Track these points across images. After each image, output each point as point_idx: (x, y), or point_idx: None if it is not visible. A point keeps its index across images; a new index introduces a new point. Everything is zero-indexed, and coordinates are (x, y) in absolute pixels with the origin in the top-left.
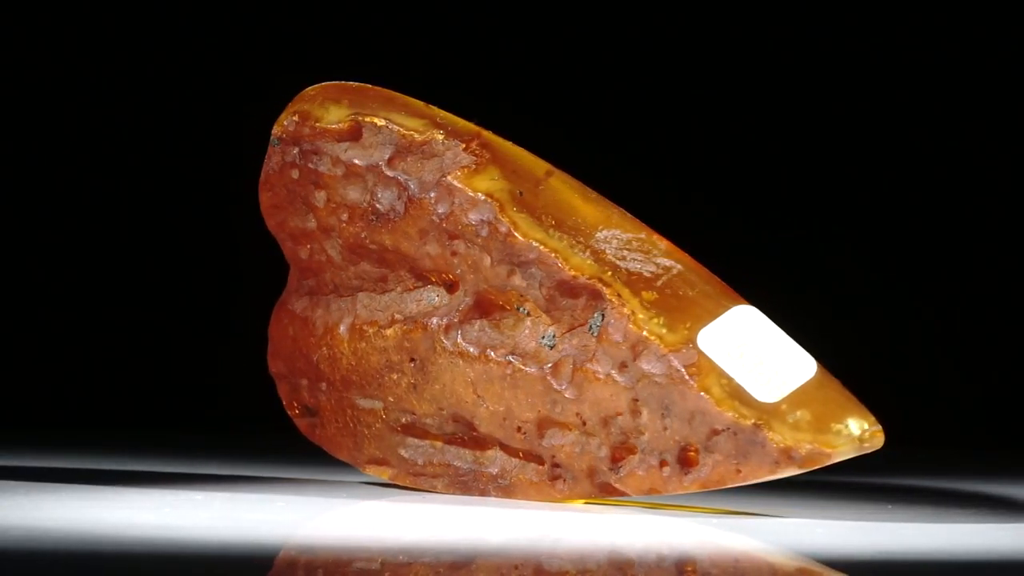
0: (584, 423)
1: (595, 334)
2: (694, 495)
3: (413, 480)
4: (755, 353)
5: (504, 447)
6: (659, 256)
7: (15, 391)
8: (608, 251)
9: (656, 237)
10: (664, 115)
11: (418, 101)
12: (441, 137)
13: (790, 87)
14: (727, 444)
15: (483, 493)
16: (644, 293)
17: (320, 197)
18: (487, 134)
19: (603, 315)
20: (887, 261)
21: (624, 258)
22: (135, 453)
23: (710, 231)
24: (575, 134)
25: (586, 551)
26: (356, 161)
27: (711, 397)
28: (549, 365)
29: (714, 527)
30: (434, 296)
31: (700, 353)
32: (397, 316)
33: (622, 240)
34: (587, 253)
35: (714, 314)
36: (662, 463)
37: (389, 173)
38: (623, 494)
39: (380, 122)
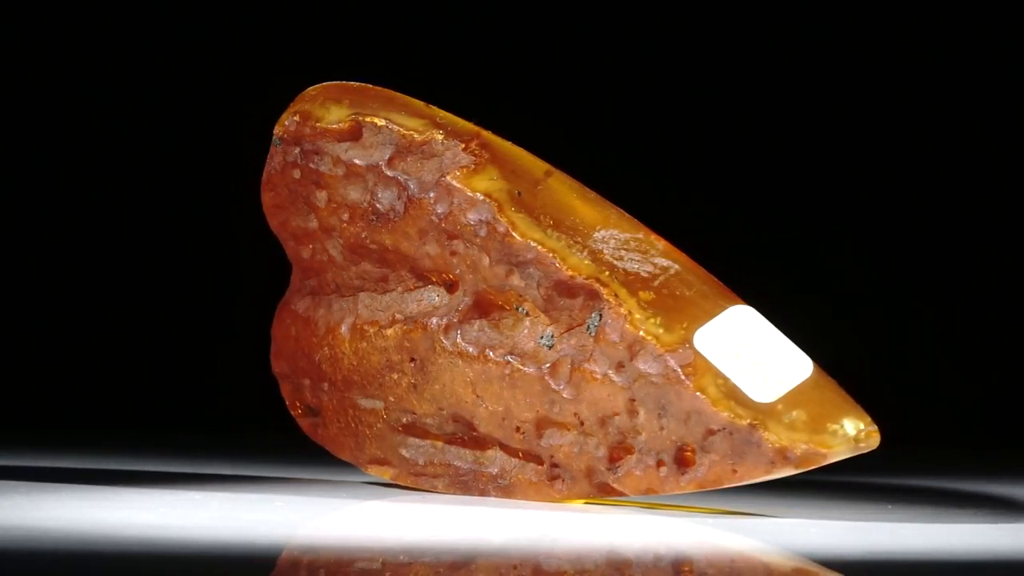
0: (582, 423)
1: (593, 334)
2: (692, 495)
3: (414, 480)
4: (751, 353)
5: (504, 447)
6: (657, 256)
7: (15, 391)
8: (606, 251)
9: (654, 237)
10: (664, 115)
11: (418, 101)
12: (441, 137)
13: (790, 87)
14: (723, 444)
15: (483, 493)
16: (641, 293)
17: (321, 197)
18: (486, 134)
19: (601, 315)
20: (887, 261)
21: (622, 258)
22: (135, 453)
23: (710, 231)
24: (575, 134)
25: (584, 551)
26: (356, 161)
27: (707, 397)
28: (547, 365)
29: (711, 527)
30: (435, 296)
31: (696, 353)
32: (398, 316)
33: (620, 240)
34: (585, 253)
35: (711, 314)
36: (659, 463)
37: (389, 173)
38: (621, 494)
39: (380, 122)
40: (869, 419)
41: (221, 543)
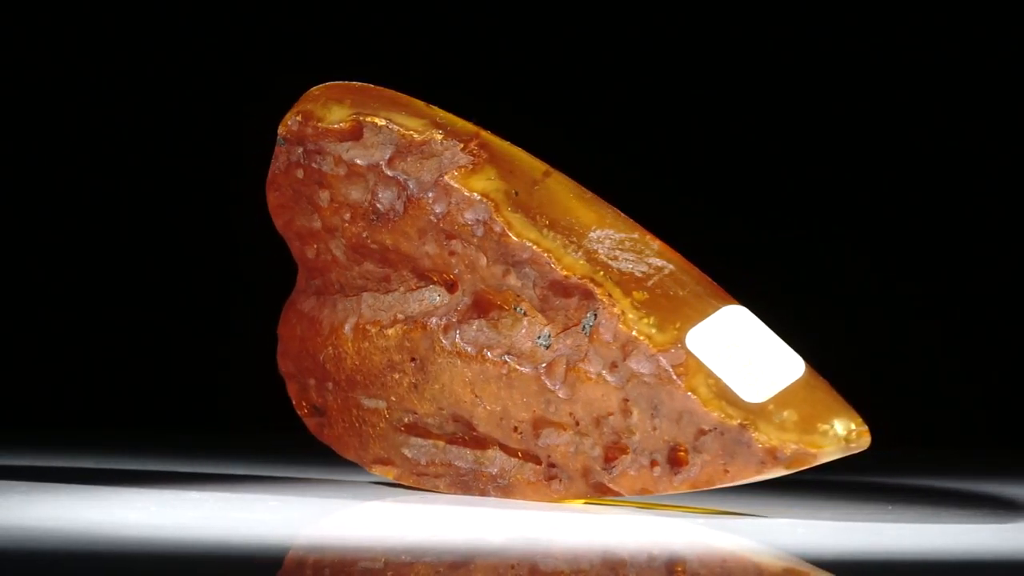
0: (577, 423)
1: (587, 334)
2: (690, 495)
3: (416, 480)
4: (743, 353)
5: (503, 447)
6: (651, 256)
7: (15, 391)
8: (601, 251)
9: (649, 237)
10: (663, 115)
11: (419, 101)
12: (440, 137)
13: (789, 87)
14: (714, 444)
15: (483, 493)
16: (635, 293)
17: (324, 197)
18: (485, 134)
19: (595, 315)
20: (887, 261)
21: (616, 258)
22: (135, 453)
23: (709, 231)
24: (575, 134)
25: (580, 551)
26: (358, 161)
27: (698, 397)
28: (544, 365)
29: (706, 528)
30: (436, 296)
31: (688, 353)
32: (399, 316)
33: (615, 240)
34: (580, 253)
35: (704, 314)
36: (653, 463)
37: (389, 173)
38: (617, 494)
39: (380, 122)
40: (860, 419)
41: (222, 543)
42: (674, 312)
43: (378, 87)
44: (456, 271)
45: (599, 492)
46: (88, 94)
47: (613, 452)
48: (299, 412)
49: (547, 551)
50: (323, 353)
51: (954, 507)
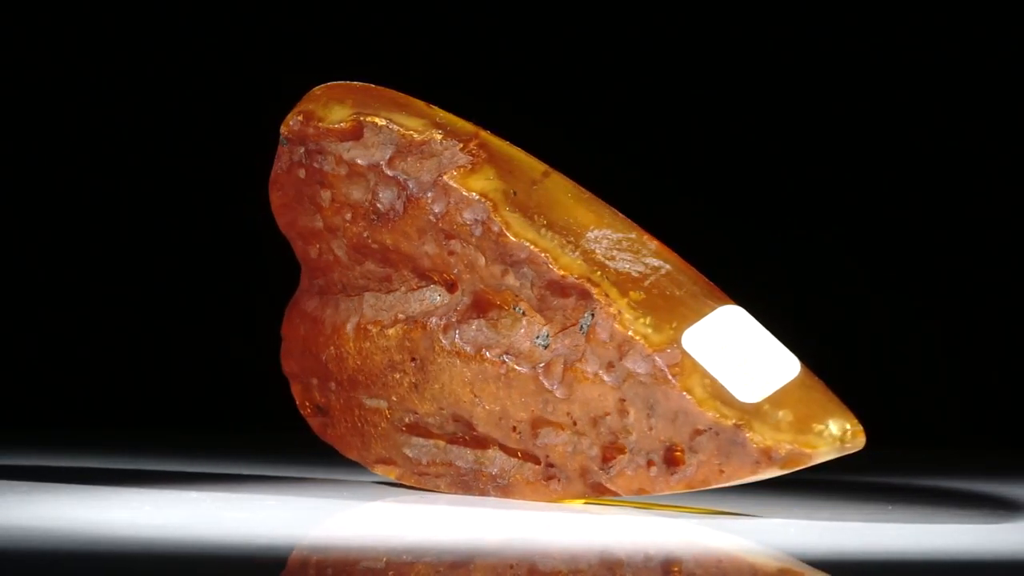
0: (575, 423)
1: (585, 334)
2: (688, 495)
3: (418, 480)
4: (738, 353)
5: (503, 447)
6: (648, 256)
7: (15, 391)
8: (598, 251)
9: (647, 237)
10: (663, 115)
11: (420, 101)
12: (439, 137)
13: (789, 87)
14: (709, 444)
15: (483, 493)
16: (632, 293)
17: (326, 196)
18: (485, 134)
19: (593, 314)
20: (887, 261)
21: (613, 258)
22: (135, 453)
23: (709, 231)
24: (575, 134)
25: (578, 551)
26: (358, 160)
27: (693, 397)
28: (542, 365)
29: (702, 528)
30: (436, 296)
31: (684, 353)
32: (400, 316)
33: (612, 240)
34: (577, 253)
35: (701, 314)
36: (649, 463)
37: (389, 173)
38: (615, 494)
39: (381, 122)
40: (855, 420)
41: (224, 544)
42: (670, 312)
43: (379, 87)
44: (455, 271)
45: (597, 492)
46: (92, 94)
47: (610, 452)
48: (302, 412)
49: (545, 551)
50: (325, 353)
51: (954, 507)
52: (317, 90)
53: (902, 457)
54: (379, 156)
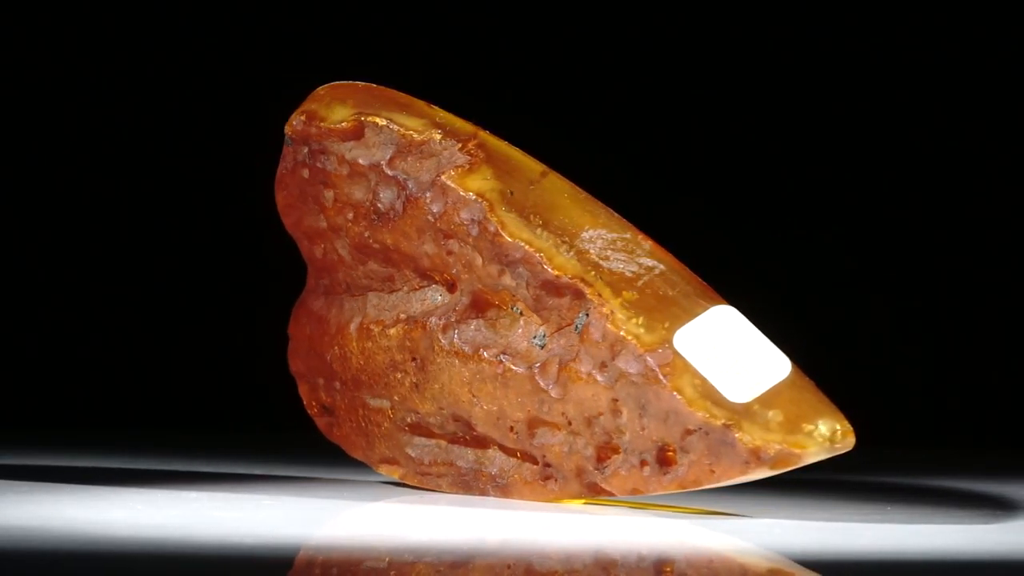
0: (570, 423)
1: (579, 333)
2: (685, 495)
3: (420, 479)
4: (729, 353)
5: (502, 447)
6: (642, 256)
7: (15, 391)
8: (592, 251)
9: (641, 237)
10: (662, 115)
11: (421, 101)
12: (439, 137)
13: (789, 87)
14: (700, 444)
15: (483, 493)
16: (625, 293)
17: (329, 196)
18: (484, 134)
19: (587, 314)
20: (887, 260)
21: (608, 258)
22: (135, 453)
23: (709, 231)
24: (575, 134)
25: (574, 551)
26: (360, 160)
27: (683, 397)
28: (538, 365)
29: (696, 528)
30: (438, 296)
31: (675, 353)
32: (402, 316)
33: (607, 240)
34: (571, 253)
35: (693, 314)
36: (642, 463)
37: (389, 172)
38: (610, 494)
39: (381, 122)
40: (845, 420)
41: (227, 544)
42: (663, 312)
43: (382, 87)
44: (454, 271)
45: (593, 492)
46: (92, 94)
47: (605, 452)
48: (309, 412)
49: (542, 551)
50: (330, 353)
51: (953, 507)
52: (321, 90)
53: (901, 457)
54: (380, 156)
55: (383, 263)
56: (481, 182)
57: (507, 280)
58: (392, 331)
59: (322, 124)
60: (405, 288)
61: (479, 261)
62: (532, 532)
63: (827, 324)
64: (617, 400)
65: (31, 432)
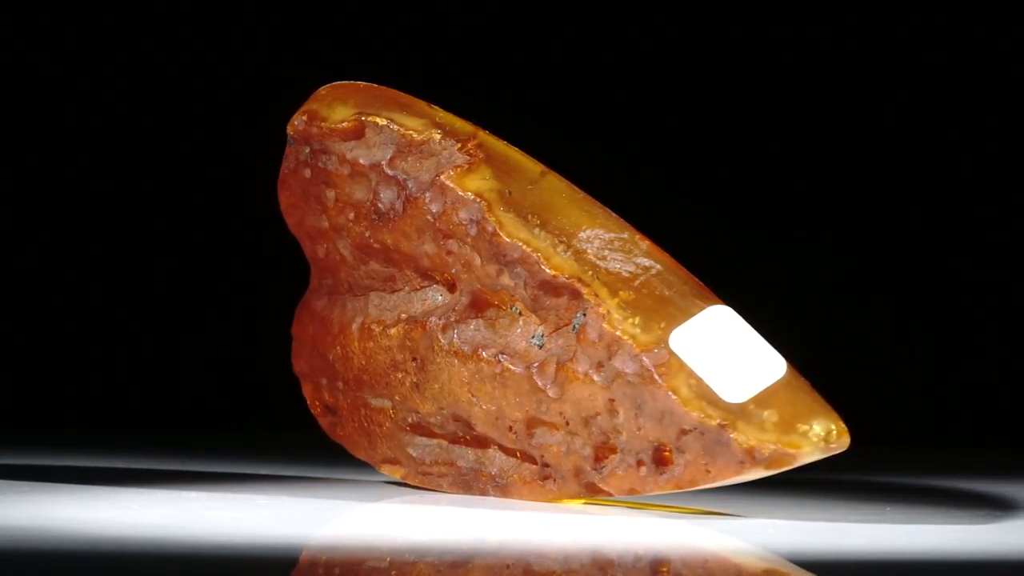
0: (567, 423)
1: (576, 333)
2: (684, 496)
3: (422, 479)
4: (725, 353)
5: (501, 447)
6: (639, 256)
7: (15, 391)
8: (589, 251)
9: (639, 237)
10: (663, 115)
11: (422, 101)
12: (438, 137)
13: (789, 87)
14: (695, 444)
15: (483, 492)
16: (622, 293)
17: (330, 196)
18: (483, 134)
19: (585, 314)
20: (887, 260)
21: (605, 258)
22: (135, 453)
23: (708, 231)
24: (575, 134)
25: (571, 551)
26: (360, 160)
27: (678, 397)
28: (536, 364)
29: (692, 528)
30: (438, 296)
31: (671, 353)
32: (403, 316)
33: (604, 240)
34: (569, 253)
35: (689, 314)
36: (639, 463)
37: (389, 172)
38: (608, 494)
39: (382, 121)
40: (840, 420)
41: (228, 544)
42: (659, 312)
43: (383, 87)
44: (453, 271)
45: (591, 492)
46: (92, 94)
47: (602, 452)
48: (313, 411)
49: (540, 551)
50: (332, 353)
51: (953, 507)
52: (323, 90)
53: (901, 457)
54: (380, 156)
55: (384, 263)
56: (480, 182)
57: (505, 280)
58: (393, 331)
59: (323, 124)
60: (406, 288)
61: (478, 261)
62: (531, 532)
63: (827, 324)
64: (614, 400)
65: (31, 432)
